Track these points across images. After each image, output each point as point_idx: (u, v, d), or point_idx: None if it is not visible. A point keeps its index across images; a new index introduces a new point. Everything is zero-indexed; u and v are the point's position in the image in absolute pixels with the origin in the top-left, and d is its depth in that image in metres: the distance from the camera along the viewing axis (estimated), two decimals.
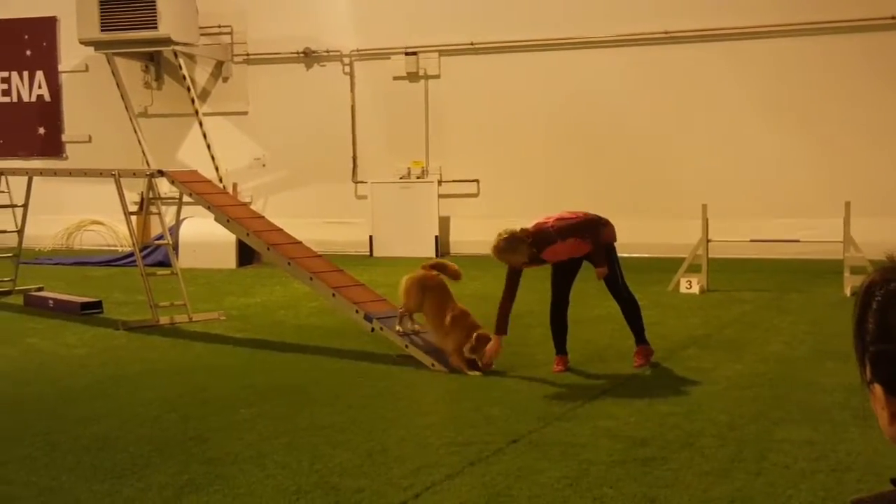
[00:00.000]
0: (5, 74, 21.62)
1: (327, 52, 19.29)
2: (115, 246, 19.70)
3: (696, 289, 12.91)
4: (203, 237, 16.11)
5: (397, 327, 8.93)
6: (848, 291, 12.53)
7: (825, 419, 6.79)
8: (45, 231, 19.20)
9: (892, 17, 16.27)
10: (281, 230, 10.58)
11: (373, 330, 9.19)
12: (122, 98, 19.78)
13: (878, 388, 1.73)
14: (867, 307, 1.76)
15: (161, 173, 11.53)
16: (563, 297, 8.72)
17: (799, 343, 9.68)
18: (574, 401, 7.39)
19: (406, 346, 8.85)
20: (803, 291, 13.00)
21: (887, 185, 16.17)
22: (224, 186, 17.54)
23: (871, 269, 11.83)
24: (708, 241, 13.17)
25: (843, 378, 8.03)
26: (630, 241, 17.08)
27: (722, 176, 16.92)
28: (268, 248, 10.23)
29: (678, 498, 5.24)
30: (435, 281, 8.87)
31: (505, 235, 8.29)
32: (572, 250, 8.46)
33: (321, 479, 5.62)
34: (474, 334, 8.44)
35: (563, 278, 8.70)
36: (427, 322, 8.87)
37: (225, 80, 20.05)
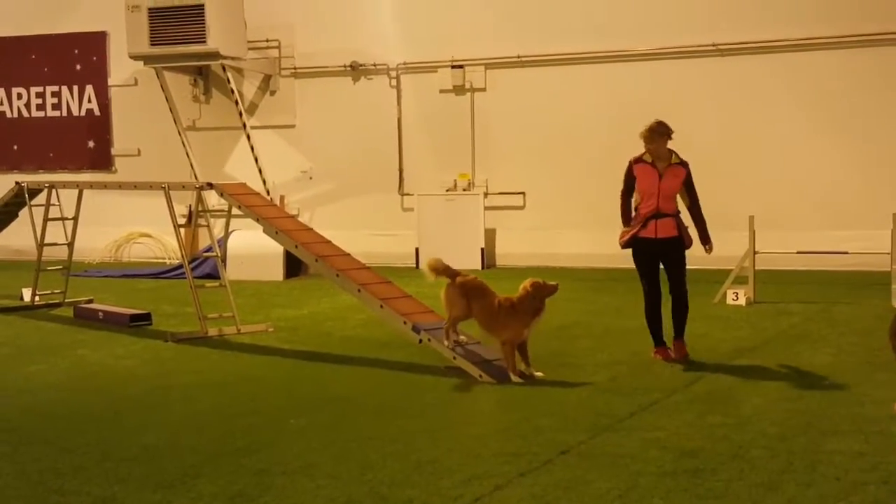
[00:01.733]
0: (55, 88, 21.91)
1: (374, 65, 19.38)
2: (163, 258, 19.90)
3: (742, 300, 12.83)
4: (251, 249, 16.24)
5: (445, 342, 8.92)
6: None
7: (875, 431, 6.74)
8: (93, 244, 19.43)
9: None
10: (329, 242, 10.65)
11: (420, 341, 9.21)
12: (171, 111, 19.98)
13: None
14: None
15: (210, 186, 11.65)
16: (654, 287, 9.41)
17: (847, 355, 9.60)
18: (623, 412, 7.38)
19: (454, 358, 8.87)
20: (851, 303, 12.88)
21: None
22: (271, 199, 17.66)
23: None
24: (755, 252, 13.09)
25: (893, 390, 7.95)
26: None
27: (769, 187, 16.80)
28: (316, 260, 10.30)
29: None
30: (475, 283, 8.86)
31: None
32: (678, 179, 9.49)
33: (371, 489, 5.65)
34: (528, 281, 8.68)
35: (652, 267, 9.43)
36: (479, 324, 8.85)
37: (272, 93, 20.20)
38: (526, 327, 8.65)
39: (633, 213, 9.53)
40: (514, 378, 8.51)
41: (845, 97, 16.66)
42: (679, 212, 9.55)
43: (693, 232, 9.64)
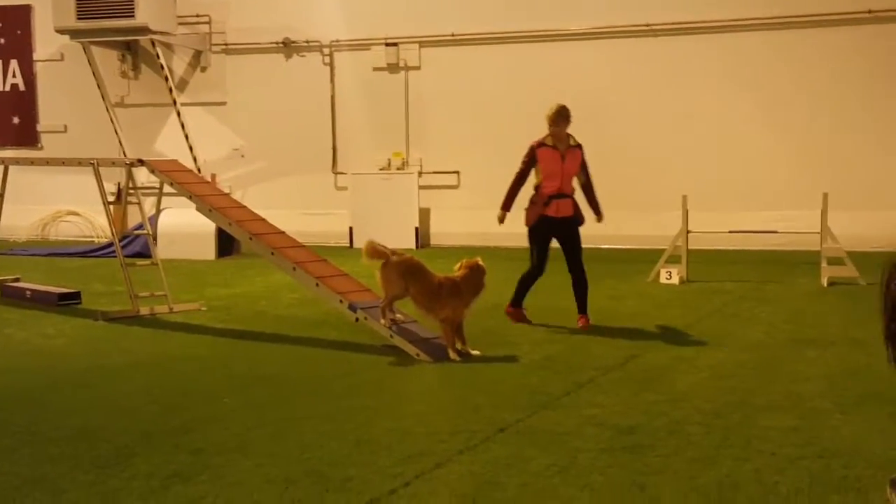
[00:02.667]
0: None
1: (307, 42, 19.21)
2: (92, 237, 19.59)
3: (675, 279, 12.96)
4: (182, 227, 16.04)
5: (381, 321, 8.87)
6: (825, 282, 12.61)
7: (808, 406, 6.84)
8: (20, 222, 19.07)
9: (869, 12, 16.35)
10: (264, 220, 10.53)
11: (357, 320, 9.16)
12: (99, 87, 19.63)
13: None
14: (883, 287, 1.80)
15: (141, 162, 11.45)
16: (542, 267, 9.93)
17: (779, 332, 9.73)
18: (559, 390, 7.40)
19: (391, 336, 8.83)
20: (782, 282, 13.07)
21: (864, 177, 16.28)
22: (203, 177, 17.44)
23: (847, 260, 11.98)
24: (688, 232, 13.22)
25: (824, 367, 8.10)
26: (611, 233, 17.06)
27: (702, 168, 16.98)
28: (250, 238, 10.18)
29: (667, 484, 5.25)
30: (412, 262, 8.83)
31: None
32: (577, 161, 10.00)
33: (309, 468, 5.60)
34: (462, 261, 8.88)
35: (546, 245, 9.93)
36: (416, 301, 8.82)
37: (203, 69, 19.93)
38: (467, 306, 8.71)
39: (533, 194, 9.95)
40: (452, 356, 8.51)
41: (776, 78, 16.88)
42: (574, 191, 10.09)
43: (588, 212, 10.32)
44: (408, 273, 8.74)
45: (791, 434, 6.15)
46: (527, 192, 10.06)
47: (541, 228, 9.91)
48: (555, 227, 9.93)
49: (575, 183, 10.14)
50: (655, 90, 17.42)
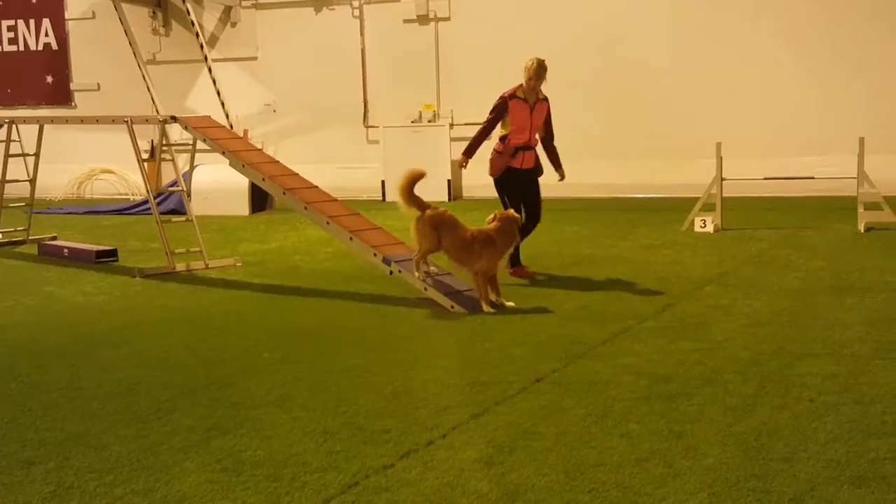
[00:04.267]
0: (11, 23, 21.49)
1: None
2: (127, 194, 19.72)
3: (710, 227, 12.88)
4: (216, 184, 16.10)
5: (415, 273, 8.89)
6: (862, 227, 12.49)
7: (846, 353, 6.80)
8: (56, 181, 19.21)
9: None
10: (297, 175, 10.54)
11: (391, 273, 9.18)
12: (130, 45, 19.67)
13: None
14: None
15: (174, 119, 11.47)
16: (518, 213, 9.62)
17: (815, 279, 9.66)
18: (595, 339, 7.40)
19: (425, 289, 8.84)
20: (818, 228, 12.96)
21: None
22: (235, 133, 17.48)
23: (884, 205, 11.87)
24: (722, 179, 13.12)
25: (862, 312, 8.04)
26: (645, 182, 17.19)
27: (736, 115, 16.81)
28: (284, 193, 10.20)
29: (704, 432, 5.25)
30: (444, 216, 8.83)
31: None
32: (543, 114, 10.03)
33: (347, 420, 5.64)
34: (496, 213, 8.92)
35: (517, 195, 9.87)
36: (450, 255, 8.83)
37: (233, 25, 19.91)
38: (501, 257, 8.75)
39: (499, 144, 9.98)
40: (486, 308, 8.52)
41: (809, 22, 16.65)
42: (537, 143, 10.12)
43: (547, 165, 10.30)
44: (441, 226, 8.74)
45: (829, 381, 6.13)
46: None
47: (508, 179, 9.94)
48: (520, 177, 9.96)
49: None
50: (688, 37, 17.23)
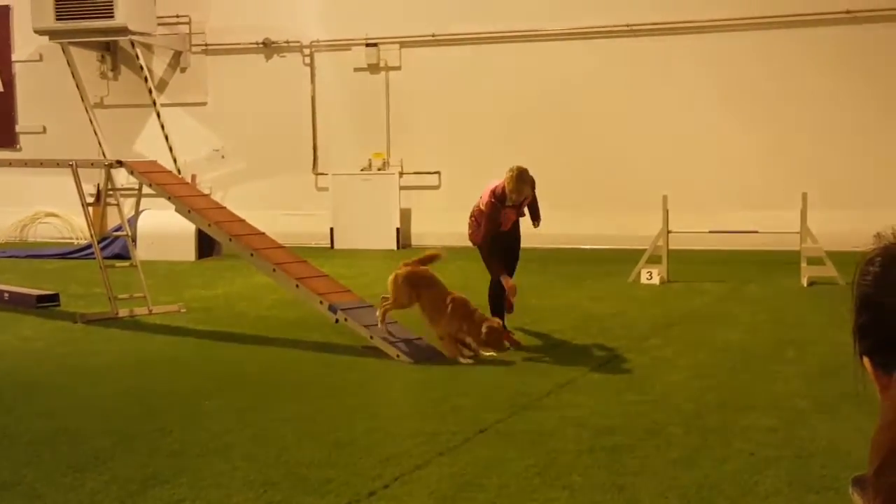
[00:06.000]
0: None
1: (287, 42, 19.17)
2: (71, 238, 19.50)
3: (656, 279, 12.98)
4: (162, 228, 15.97)
5: (379, 325, 8.81)
6: (805, 282, 12.65)
7: (787, 407, 6.86)
8: None
9: (847, 12, 16.42)
10: (243, 221, 10.49)
11: (337, 321, 9.14)
12: (78, 88, 19.53)
13: (866, 361, 1.77)
14: (854, 285, 1.81)
15: (120, 163, 11.39)
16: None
17: (759, 332, 9.76)
18: (540, 390, 7.40)
19: (371, 337, 8.81)
20: (762, 282, 13.11)
21: (843, 176, 16.33)
22: (182, 178, 17.39)
23: (826, 260, 11.98)
24: (668, 232, 13.24)
25: (803, 366, 8.13)
26: (591, 233, 17.30)
27: (682, 168, 17.01)
28: (230, 239, 10.14)
29: (646, 485, 5.25)
30: (425, 275, 8.87)
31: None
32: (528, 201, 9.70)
33: (289, 470, 5.58)
34: (484, 325, 8.60)
35: (501, 254, 9.54)
36: (425, 315, 8.83)
37: (183, 70, 19.86)
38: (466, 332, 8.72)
39: (477, 212, 9.62)
40: (465, 361, 8.54)
41: (757, 78, 16.93)
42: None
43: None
44: (419, 284, 8.78)
45: (770, 434, 6.17)
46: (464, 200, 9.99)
47: (489, 242, 9.60)
48: (501, 238, 9.65)
49: None
50: (635, 90, 17.45)
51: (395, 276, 8.86)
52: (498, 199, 9.39)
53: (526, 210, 9.77)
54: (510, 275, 9.58)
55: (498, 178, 9.58)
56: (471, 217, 9.71)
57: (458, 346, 8.65)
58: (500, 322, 8.96)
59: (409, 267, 8.91)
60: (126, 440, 6.24)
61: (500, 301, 9.57)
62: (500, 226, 9.53)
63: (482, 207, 9.51)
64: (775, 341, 9.24)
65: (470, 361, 8.50)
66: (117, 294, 11.03)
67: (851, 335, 1.86)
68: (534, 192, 9.68)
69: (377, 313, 8.87)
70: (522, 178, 9.34)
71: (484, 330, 8.58)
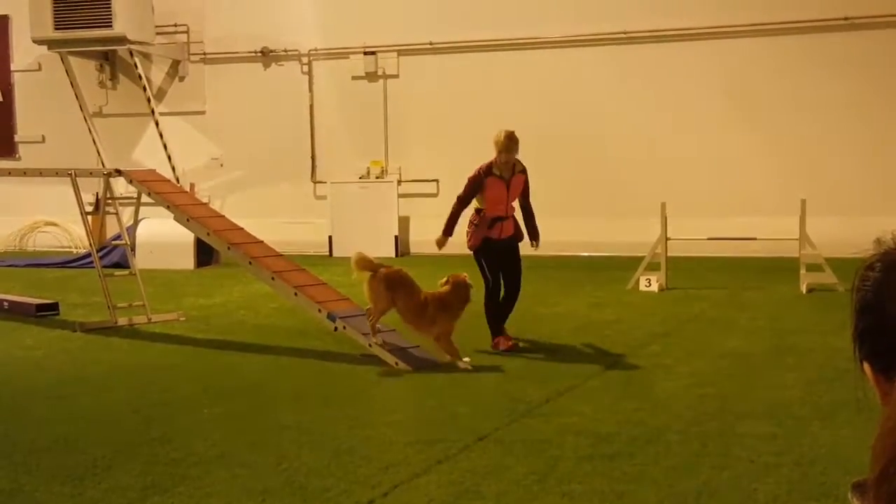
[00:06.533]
0: None
1: (285, 51, 19.18)
2: (70, 247, 19.49)
3: (655, 287, 12.98)
4: (161, 237, 15.96)
5: (373, 339, 8.77)
6: (804, 288, 12.65)
7: (787, 414, 6.86)
8: None
9: (845, 18, 16.44)
10: (242, 229, 10.50)
11: (336, 329, 9.14)
12: (77, 98, 19.55)
13: (867, 367, 1.77)
14: (853, 290, 1.81)
15: (119, 172, 11.40)
16: (497, 283, 9.66)
17: (758, 339, 9.76)
18: (539, 398, 7.40)
19: (370, 346, 8.81)
20: (760, 289, 13.11)
21: (842, 183, 16.34)
22: (181, 186, 17.39)
23: (826, 266, 11.98)
24: (667, 239, 13.24)
25: (802, 373, 8.12)
26: (590, 240, 17.30)
27: (681, 175, 17.01)
28: (228, 248, 10.15)
29: (645, 493, 5.26)
30: (399, 275, 8.83)
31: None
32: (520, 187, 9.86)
33: (288, 479, 5.58)
34: (449, 277, 8.89)
35: (496, 265, 9.70)
36: (403, 317, 8.81)
37: (181, 79, 19.87)
38: (456, 320, 8.78)
39: (475, 216, 9.78)
40: (462, 365, 8.53)
41: (755, 85, 16.94)
42: (514, 211, 9.99)
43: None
44: (395, 286, 8.74)
45: (769, 441, 6.17)
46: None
47: (486, 249, 9.75)
48: (498, 247, 9.76)
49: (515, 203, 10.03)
50: (634, 97, 17.46)
51: (369, 282, 8.77)
52: (483, 170, 9.70)
53: (520, 213, 9.92)
54: (508, 299, 9.71)
55: None
56: (470, 224, 9.74)
57: (453, 345, 8.66)
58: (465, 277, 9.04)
59: (384, 270, 8.85)
60: (125, 449, 6.24)
61: (493, 311, 9.64)
62: (477, 191, 9.67)
63: (477, 212, 9.73)
64: (774, 348, 9.24)
65: (468, 367, 8.49)
66: (116, 303, 11.02)
67: (851, 341, 1.86)
68: (525, 172, 9.88)
69: (368, 325, 8.85)
70: (511, 138, 9.64)
71: (447, 279, 8.82)
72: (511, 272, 9.80)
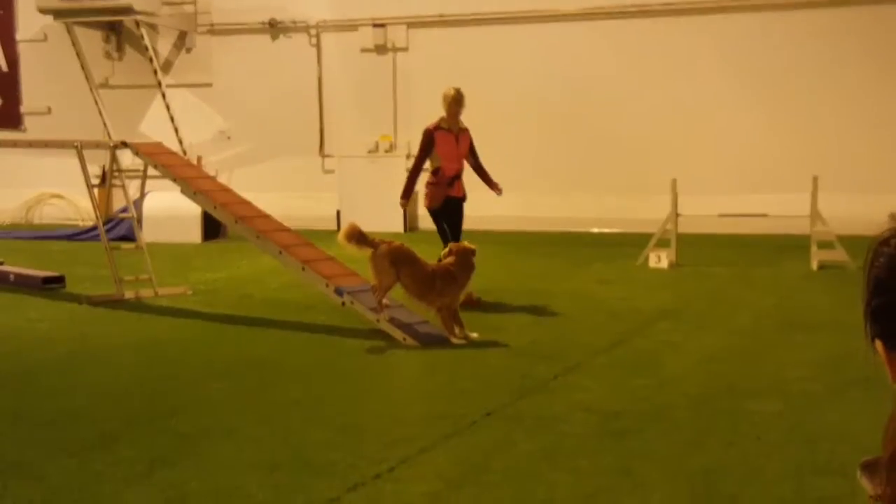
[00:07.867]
0: None
1: (293, 22, 19.09)
2: (76, 220, 19.48)
3: (664, 263, 12.93)
4: (167, 211, 15.95)
5: (381, 316, 8.69)
6: (815, 265, 12.59)
7: (795, 391, 6.81)
8: (3, 205, 18.96)
9: None
10: (249, 203, 10.45)
11: (343, 304, 9.09)
12: (83, 69, 19.48)
13: (879, 344, 1.72)
14: (866, 267, 1.77)
15: (125, 145, 11.36)
16: (448, 242, 9.83)
17: (767, 317, 9.71)
18: (547, 374, 7.37)
19: (377, 321, 8.77)
20: (771, 266, 13.05)
21: (854, 160, 16.26)
22: (188, 159, 17.35)
23: (837, 243, 11.93)
24: (677, 215, 13.18)
25: (812, 351, 8.08)
26: (600, 217, 17.24)
27: (691, 151, 16.94)
28: (236, 222, 10.10)
29: (653, 469, 5.22)
30: (402, 250, 8.76)
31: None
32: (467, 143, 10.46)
33: (294, 453, 5.55)
34: (450, 246, 9.02)
35: (453, 222, 10.20)
36: (410, 291, 8.75)
37: (188, 50, 19.81)
38: (462, 291, 8.77)
39: (432, 177, 10.29)
40: (456, 340, 8.46)
41: (767, 60, 16.83)
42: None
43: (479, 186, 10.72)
44: (399, 261, 8.67)
45: (777, 419, 6.14)
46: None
47: (448, 208, 10.23)
48: (455, 205, 10.28)
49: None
50: (645, 72, 17.36)
51: (371, 259, 8.70)
52: (433, 126, 10.29)
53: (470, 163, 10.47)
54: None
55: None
56: (427, 185, 10.31)
57: (456, 320, 8.62)
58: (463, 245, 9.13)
59: (385, 246, 8.76)
60: (131, 422, 6.22)
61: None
62: (431, 146, 10.18)
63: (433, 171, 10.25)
64: (784, 325, 9.20)
65: (462, 342, 8.45)
66: (123, 276, 11.00)
67: (863, 318, 1.82)
68: (468, 131, 10.47)
69: (375, 301, 8.79)
70: (460, 93, 10.32)
71: (449, 250, 8.89)
72: (457, 229, 10.27)
